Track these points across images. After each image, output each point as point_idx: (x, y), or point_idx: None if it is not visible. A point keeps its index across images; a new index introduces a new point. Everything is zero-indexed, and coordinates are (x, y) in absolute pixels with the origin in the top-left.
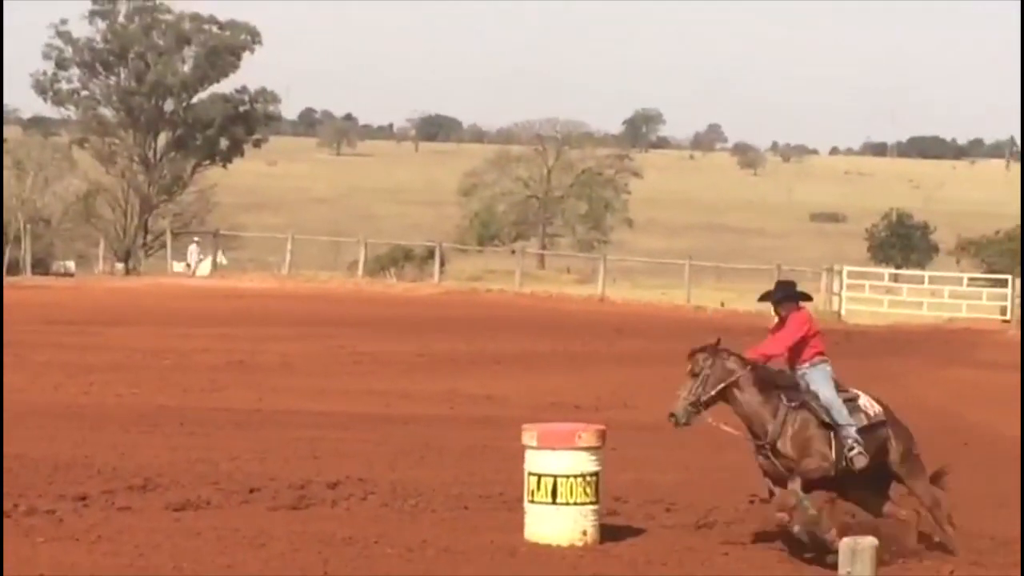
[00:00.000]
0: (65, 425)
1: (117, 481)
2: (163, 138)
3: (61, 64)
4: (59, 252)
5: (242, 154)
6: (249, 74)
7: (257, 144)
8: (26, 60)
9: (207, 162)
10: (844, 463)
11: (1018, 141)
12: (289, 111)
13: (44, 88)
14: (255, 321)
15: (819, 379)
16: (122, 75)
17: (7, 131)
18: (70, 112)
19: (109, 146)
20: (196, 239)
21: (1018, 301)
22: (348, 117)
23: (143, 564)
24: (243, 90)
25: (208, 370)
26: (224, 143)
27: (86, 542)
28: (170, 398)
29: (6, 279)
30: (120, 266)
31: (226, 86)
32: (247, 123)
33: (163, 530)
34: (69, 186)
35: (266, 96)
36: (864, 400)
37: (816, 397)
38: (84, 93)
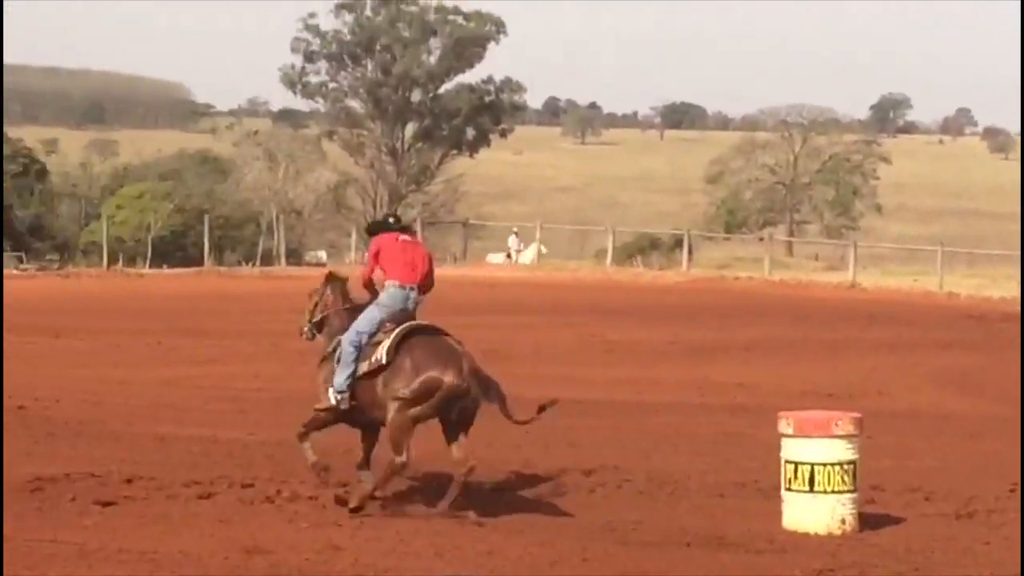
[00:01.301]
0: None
1: (378, 468)
2: (410, 129)
3: (309, 57)
4: (311, 242)
5: (488, 144)
6: (494, 64)
7: (503, 134)
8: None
9: (454, 152)
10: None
11: None
12: (534, 100)
13: (293, 81)
14: (505, 310)
15: (362, 317)
16: (369, 67)
17: (258, 123)
18: (319, 104)
19: (357, 137)
20: (515, 229)
21: None
22: (592, 106)
23: (404, 549)
24: (489, 80)
25: None
26: (471, 133)
27: (348, 527)
28: None
29: (261, 269)
30: None
31: (472, 76)
32: (493, 113)
33: (423, 516)
34: (320, 177)
35: (512, 86)
36: (382, 348)
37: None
38: (332, 85)
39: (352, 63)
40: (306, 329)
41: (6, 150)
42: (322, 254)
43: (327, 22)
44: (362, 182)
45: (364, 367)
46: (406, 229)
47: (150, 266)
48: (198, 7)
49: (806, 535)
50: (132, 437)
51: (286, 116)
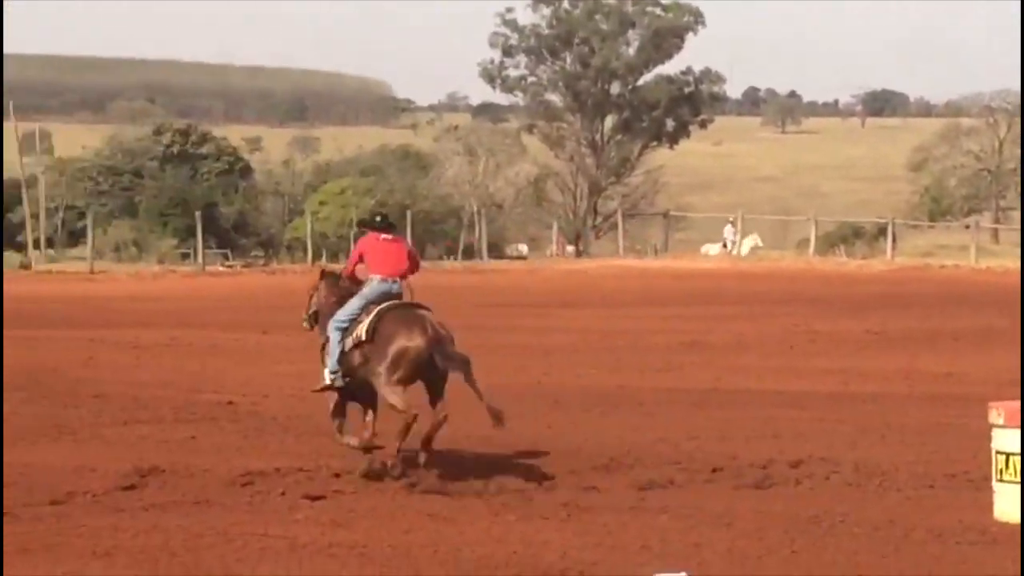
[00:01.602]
0: (528, 406)
1: (582, 461)
2: (610, 121)
3: (508, 52)
4: (511, 236)
5: (688, 135)
6: (693, 55)
7: (703, 124)
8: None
9: (654, 144)
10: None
11: None
12: (733, 90)
13: (492, 76)
14: (707, 301)
15: (344, 307)
16: (568, 60)
17: (458, 118)
18: (518, 98)
19: (557, 130)
20: (731, 219)
21: None
22: (792, 95)
23: (612, 542)
24: (688, 71)
25: (663, 350)
26: (670, 124)
27: (555, 520)
28: (627, 378)
29: (463, 262)
30: (571, 248)
31: (671, 67)
32: (692, 104)
33: (629, 509)
34: (520, 171)
35: (711, 76)
36: (362, 326)
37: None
38: (531, 79)
39: (551, 57)
40: (304, 321)
41: (210, 149)
42: (523, 247)
43: (525, 16)
44: (562, 175)
45: (349, 343)
46: (390, 227)
47: None
48: (398, 5)
49: (1018, 527)
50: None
51: (486, 110)
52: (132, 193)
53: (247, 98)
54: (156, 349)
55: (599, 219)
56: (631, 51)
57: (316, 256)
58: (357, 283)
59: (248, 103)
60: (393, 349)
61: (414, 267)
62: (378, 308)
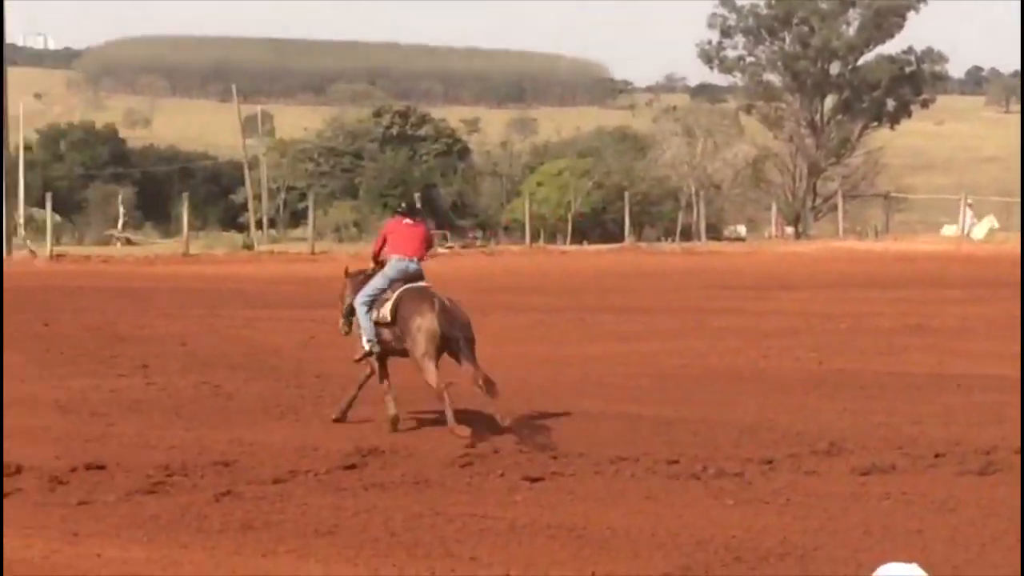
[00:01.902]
0: (746, 389)
1: (802, 445)
2: (829, 101)
3: (726, 32)
4: (730, 217)
5: (909, 115)
6: (914, 34)
7: (924, 104)
8: (692, 30)
9: (874, 124)
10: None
11: None
12: (956, 70)
13: (710, 56)
14: (930, 284)
15: (369, 284)
16: (787, 40)
17: (676, 99)
18: (736, 79)
19: (775, 111)
20: (970, 202)
21: None
22: (1016, 74)
23: (833, 528)
24: (909, 50)
25: (885, 333)
26: (891, 104)
27: (775, 505)
28: (848, 362)
29: (681, 244)
30: (790, 230)
31: (892, 47)
32: (914, 84)
33: (849, 494)
34: (738, 152)
35: (932, 56)
36: (385, 307)
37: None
38: (749, 59)
39: (769, 37)
40: (341, 324)
41: (429, 130)
42: (741, 229)
43: None
44: (781, 156)
45: (375, 315)
46: (414, 213)
47: (570, 242)
48: None
49: None
50: (558, 413)
51: (703, 91)
52: (352, 174)
53: (466, 80)
54: None
55: (818, 200)
56: (851, 31)
57: (535, 237)
58: (381, 264)
59: (467, 85)
60: (412, 328)
61: (428, 247)
62: (397, 292)
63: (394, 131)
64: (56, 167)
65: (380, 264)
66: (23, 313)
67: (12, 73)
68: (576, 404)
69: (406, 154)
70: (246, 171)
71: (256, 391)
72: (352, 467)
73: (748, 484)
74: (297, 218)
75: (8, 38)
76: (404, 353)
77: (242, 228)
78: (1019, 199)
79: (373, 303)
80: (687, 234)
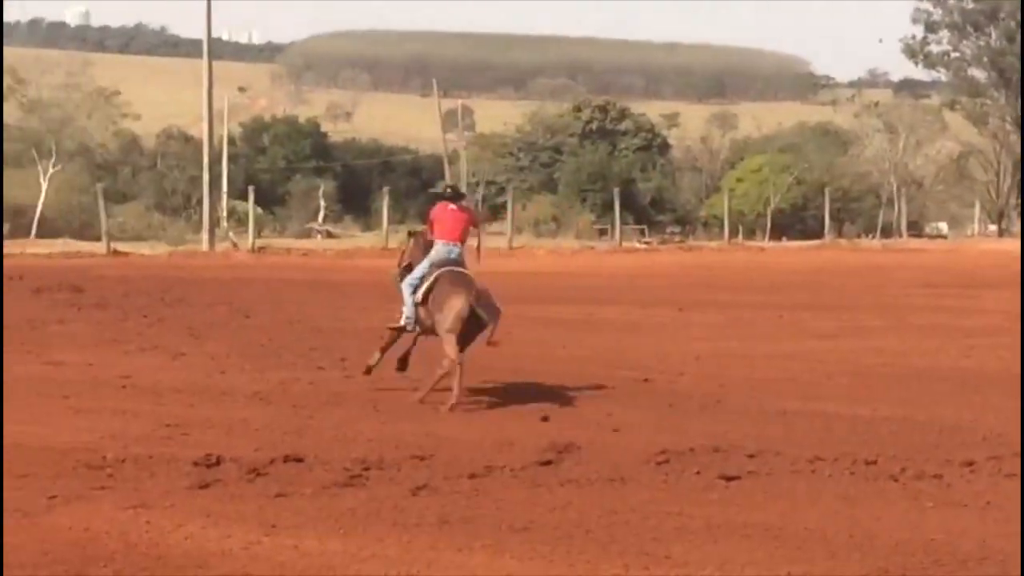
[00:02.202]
0: (947, 388)
1: (1004, 447)
2: None
3: (931, 27)
4: (931, 214)
5: None
6: None
7: None
8: (895, 25)
9: None
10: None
11: None
12: None
13: (914, 51)
14: None
15: (417, 268)
16: (993, 35)
17: (878, 94)
18: (940, 74)
19: (980, 107)
20: None
21: None
22: None
23: None
24: None
25: None
26: None
27: (975, 508)
28: None
29: (882, 241)
30: (993, 227)
31: None
32: None
33: None
34: (941, 148)
35: None
36: (421, 289)
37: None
38: (954, 55)
39: (975, 32)
40: (395, 276)
41: (628, 125)
42: (943, 226)
43: None
44: (985, 152)
45: (418, 297)
46: (459, 198)
47: (769, 239)
48: None
49: None
50: (755, 411)
51: (906, 86)
52: (551, 169)
53: (666, 74)
54: (573, 325)
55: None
56: None
57: (733, 233)
58: (430, 245)
59: (667, 79)
60: (445, 307)
61: (470, 228)
62: (434, 274)
63: (593, 126)
64: (259, 160)
65: (430, 245)
66: (224, 305)
67: (217, 67)
68: (773, 402)
69: (605, 149)
70: (446, 165)
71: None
72: (548, 463)
73: (948, 486)
74: (496, 212)
75: (214, 32)
76: (433, 330)
77: None
78: None
79: (417, 286)
80: (888, 231)
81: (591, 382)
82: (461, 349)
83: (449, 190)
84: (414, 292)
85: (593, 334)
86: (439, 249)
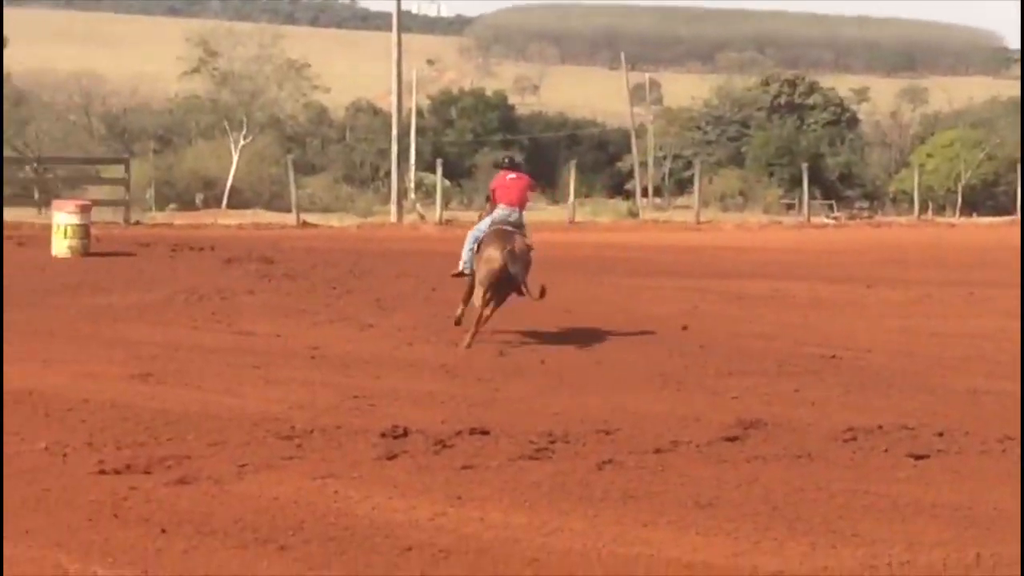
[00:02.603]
0: None
1: None
2: None
3: None
4: None
5: None
6: None
7: None
8: None
9: None
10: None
11: None
12: None
13: None
14: None
15: (477, 225)
16: None
17: None
18: None
19: None
20: None
21: None
22: None
23: None
24: None
25: None
26: None
27: None
28: None
29: None
30: None
31: None
32: None
33: None
34: None
35: None
36: (473, 242)
37: None
38: None
39: None
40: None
41: (817, 99)
42: None
43: None
44: None
45: (474, 248)
46: (516, 167)
47: (960, 215)
48: None
49: None
50: (943, 389)
51: None
52: (739, 143)
53: (855, 48)
54: (760, 300)
55: None
56: None
57: (923, 209)
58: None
59: (856, 53)
60: (482, 257)
61: (528, 193)
62: (488, 230)
63: (782, 100)
64: (447, 133)
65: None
66: (412, 277)
67: (406, 39)
68: (963, 381)
69: (793, 123)
70: (633, 139)
71: (639, 360)
72: (734, 439)
73: None
74: (682, 186)
75: (403, 5)
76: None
77: (628, 195)
78: None
79: (477, 239)
80: None
81: (778, 358)
82: (491, 301)
83: (507, 160)
84: (473, 243)
85: (780, 310)
86: (499, 212)
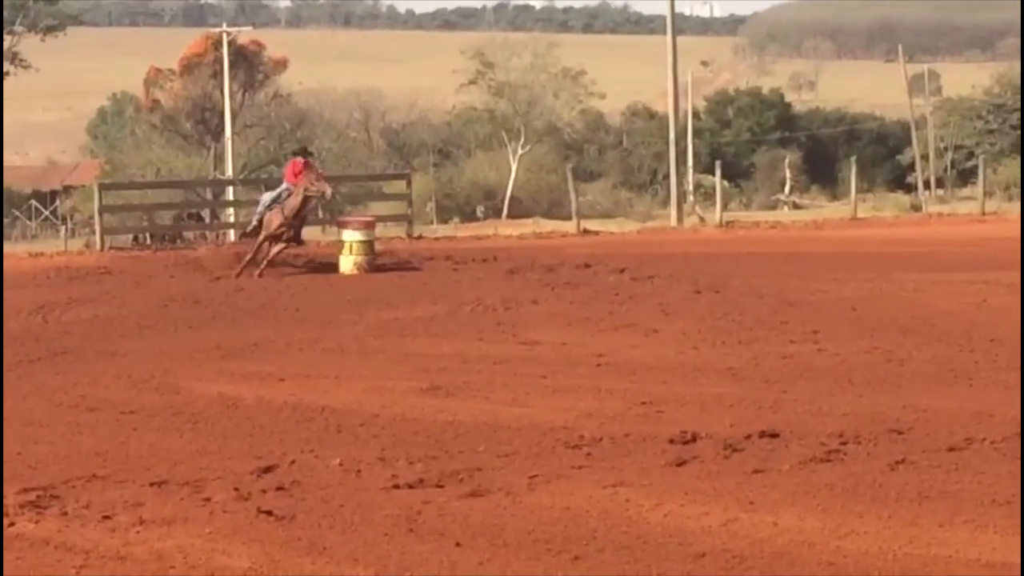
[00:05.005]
0: None
1: None
2: None
3: None
4: None
5: None
6: None
7: None
8: None
9: None
10: None
11: None
12: None
13: None
14: None
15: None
16: None
17: None
18: None
19: None
20: None
21: None
22: None
23: None
24: None
25: None
26: None
27: None
28: None
29: None
30: None
31: None
32: None
33: None
34: None
35: None
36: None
37: None
38: None
39: None
40: None
41: None
42: None
43: None
44: None
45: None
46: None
47: None
48: None
49: None
50: None
51: None
52: (1022, 131)
53: None
54: None
55: None
56: None
57: None
58: None
59: None
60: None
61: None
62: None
63: None
64: (724, 133)
65: None
66: (694, 280)
67: (680, 41)
68: None
69: None
70: (913, 131)
71: (928, 356)
72: None
73: None
74: (965, 177)
75: (676, 7)
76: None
77: (909, 189)
78: None
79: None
80: None
81: None
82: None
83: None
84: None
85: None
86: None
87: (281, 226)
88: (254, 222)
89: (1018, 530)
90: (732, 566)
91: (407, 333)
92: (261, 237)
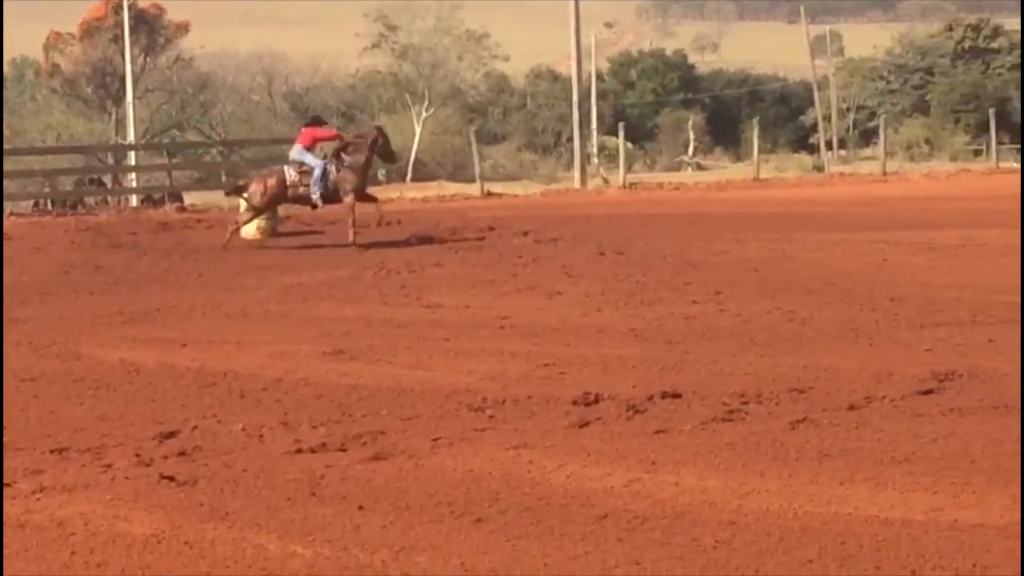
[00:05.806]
0: None
1: None
2: None
3: None
4: None
5: None
6: None
7: None
8: None
9: None
10: None
11: None
12: None
13: None
14: None
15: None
16: None
17: None
18: None
19: None
20: None
21: None
22: None
23: None
24: None
25: None
26: None
27: None
28: None
29: None
30: None
31: None
32: None
33: None
34: None
35: None
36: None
37: None
38: None
39: None
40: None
41: (1002, 43)
42: None
43: None
44: None
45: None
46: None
47: None
48: None
49: None
50: None
51: None
52: (923, 91)
53: None
54: (949, 250)
55: None
56: None
57: None
58: None
59: None
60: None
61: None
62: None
63: (965, 45)
64: (627, 95)
65: None
66: (598, 242)
67: (584, 3)
68: None
69: (979, 68)
70: (815, 92)
71: (829, 316)
72: (929, 392)
73: None
74: (867, 138)
75: None
76: None
77: (812, 149)
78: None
79: None
80: None
81: (970, 308)
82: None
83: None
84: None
85: (971, 259)
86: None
87: (359, 183)
88: (316, 192)
89: (917, 487)
90: (634, 527)
91: (310, 297)
92: (351, 199)
